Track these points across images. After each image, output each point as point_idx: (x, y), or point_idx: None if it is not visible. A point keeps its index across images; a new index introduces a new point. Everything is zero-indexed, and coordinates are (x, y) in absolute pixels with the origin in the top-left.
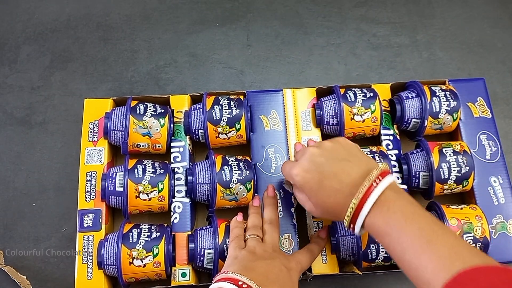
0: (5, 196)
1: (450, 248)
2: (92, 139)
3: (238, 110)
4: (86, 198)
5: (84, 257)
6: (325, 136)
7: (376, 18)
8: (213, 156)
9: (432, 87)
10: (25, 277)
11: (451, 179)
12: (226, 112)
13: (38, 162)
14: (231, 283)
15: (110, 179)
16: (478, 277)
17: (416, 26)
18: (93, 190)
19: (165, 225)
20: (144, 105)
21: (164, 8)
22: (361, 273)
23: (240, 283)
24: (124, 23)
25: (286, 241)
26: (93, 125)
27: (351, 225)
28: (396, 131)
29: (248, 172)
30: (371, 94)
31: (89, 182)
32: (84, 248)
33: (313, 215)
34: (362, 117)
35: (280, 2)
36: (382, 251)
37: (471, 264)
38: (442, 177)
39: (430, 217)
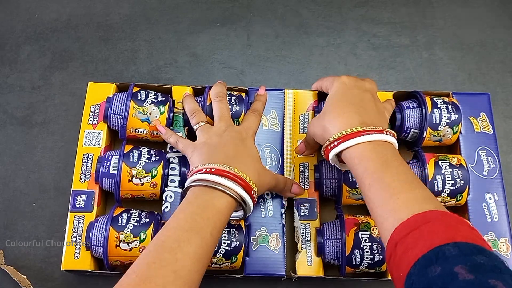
0: (5, 196)
1: (414, 194)
2: (92, 122)
3: (238, 107)
4: (81, 179)
5: (73, 237)
6: None
7: (376, 18)
8: None
9: (434, 99)
10: (25, 276)
11: (445, 192)
12: None
13: (38, 162)
14: (204, 172)
15: (105, 162)
16: (436, 217)
17: (416, 26)
18: (88, 172)
19: (156, 212)
20: (146, 92)
21: (164, 8)
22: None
23: (203, 170)
24: (124, 23)
25: (274, 240)
26: (94, 108)
27: (332, 145)
28: None
29: None
30: None
31: (85, 164)
32: (74, 228)
33: (308, 129)
34: None
35: (280, 2)
36: (367, 258)
37: (429, 208)
38: (436, 189)
39: (405, 168)
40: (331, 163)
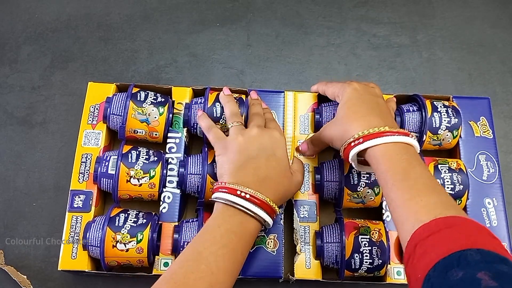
0: (5, 196)
1: (437, 199)
2: (92, 122)
3: (239, 110)
4: (79, 179)
5: (71, 237)
6: None
7: (376, 18)
8: (206, 149)
9: (435, 102)
10: (25, 276)
11: None
12: None
13: (38, 162)
14: (238, 196)
15: (104, 162)
16: (459, 223)
17: (416, 26)
18: (86, 172)
19: (153, 213)
20: (145, 93)
21: (165, 8)
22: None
23: (238, 192)
24: (124, 23)
25: (271, 242)
26: (94, 108)
27: (355, 143)
28: None
29: None
30: None
31: (84, 164)
32: (72, 228)
33: (323, 133)
34: None
35: (280, 2)
36: (366, 262)
37: (452, 214)
38: None
39: (428, 173)
40: (349, 161)
